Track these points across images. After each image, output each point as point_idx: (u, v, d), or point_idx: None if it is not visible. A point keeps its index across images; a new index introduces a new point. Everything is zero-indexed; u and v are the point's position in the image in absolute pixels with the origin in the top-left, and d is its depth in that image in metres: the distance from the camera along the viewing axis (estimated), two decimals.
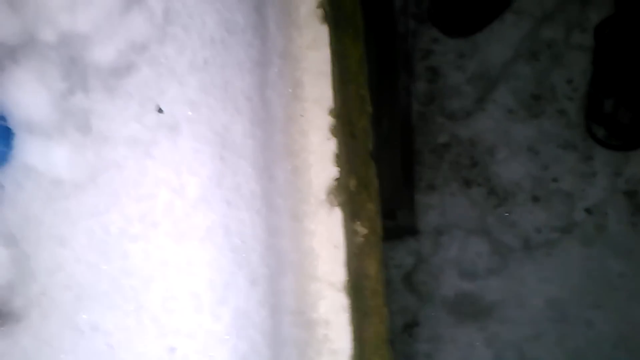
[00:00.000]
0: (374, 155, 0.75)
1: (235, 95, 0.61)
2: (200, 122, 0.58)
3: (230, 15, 0.61)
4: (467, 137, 1.66)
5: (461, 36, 1.66)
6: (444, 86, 1.67)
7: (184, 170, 0.57)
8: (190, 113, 0.58)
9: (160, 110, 0.57)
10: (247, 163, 0.61)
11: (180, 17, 0.58)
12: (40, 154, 0.56)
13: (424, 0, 1.66)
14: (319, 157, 0.69)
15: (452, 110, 1.67)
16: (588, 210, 1.60)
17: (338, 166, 0.69)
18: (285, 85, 0.67)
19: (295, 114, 0.68)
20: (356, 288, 0.71)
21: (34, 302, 0.55)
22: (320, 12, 0.71)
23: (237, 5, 0.63)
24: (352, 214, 0.73)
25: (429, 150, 1.67)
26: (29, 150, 0.56)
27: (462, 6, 1.60)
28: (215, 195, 0.58)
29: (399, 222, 1.58)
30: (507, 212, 1.62)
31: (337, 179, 0.69)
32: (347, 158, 0.72)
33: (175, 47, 0.58)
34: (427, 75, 1.68)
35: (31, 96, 0.55)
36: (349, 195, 0.72)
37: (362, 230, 0.73)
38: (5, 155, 0.56)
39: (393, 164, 1.48)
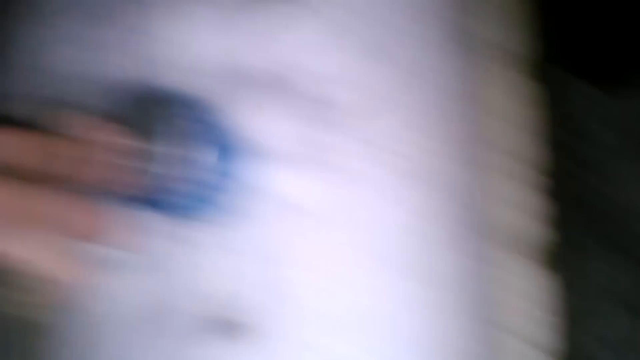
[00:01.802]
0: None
1: (458, 143, 0.64)
2: (433, 170, 0.61)
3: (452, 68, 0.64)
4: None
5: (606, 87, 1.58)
6: None
7: (420, 214, 0.60)
8: (424, 159, 0.61)
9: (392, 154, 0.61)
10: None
11: (422, 69, 0.62)
12: (278, 182, 0.61)
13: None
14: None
15: None
16: None
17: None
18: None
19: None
20: None
21: (275, 320, 0.59)
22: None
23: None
24: None
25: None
26: (268, 177, 0.61)
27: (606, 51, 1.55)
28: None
29: None
30: None
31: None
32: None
33: (415, 96, 0.62)
34: None
35: (271, 125, 0.61)
36: None
37: None
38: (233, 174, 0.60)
39: None
